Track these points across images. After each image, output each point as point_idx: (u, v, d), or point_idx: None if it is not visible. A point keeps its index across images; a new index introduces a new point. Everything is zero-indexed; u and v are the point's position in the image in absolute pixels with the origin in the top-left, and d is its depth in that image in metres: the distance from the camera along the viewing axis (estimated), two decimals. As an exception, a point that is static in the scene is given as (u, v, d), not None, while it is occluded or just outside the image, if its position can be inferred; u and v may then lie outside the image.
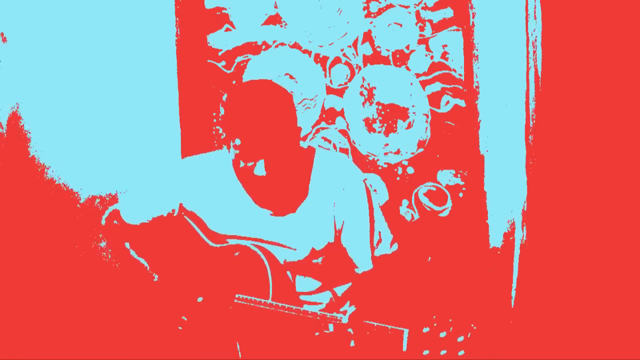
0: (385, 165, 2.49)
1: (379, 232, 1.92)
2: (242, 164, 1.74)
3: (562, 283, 2.29)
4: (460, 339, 1.50)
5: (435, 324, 1.52)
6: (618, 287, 2.24)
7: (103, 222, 2.03)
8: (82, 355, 2.71)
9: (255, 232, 1.88)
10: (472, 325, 1.50)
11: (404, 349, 1.54)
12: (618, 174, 2.24)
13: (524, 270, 2.28)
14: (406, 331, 1.54)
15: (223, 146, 1.83)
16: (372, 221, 1.91)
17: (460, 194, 2.42)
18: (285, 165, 1.77)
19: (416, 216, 2.48)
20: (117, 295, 2.71)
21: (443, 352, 1.50)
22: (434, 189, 2.45)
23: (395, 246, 1.96)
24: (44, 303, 2.81)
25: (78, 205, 2.76)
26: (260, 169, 1.73)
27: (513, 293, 2.29)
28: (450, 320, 1.51)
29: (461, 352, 1.50)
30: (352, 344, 1.62)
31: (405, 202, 2.48)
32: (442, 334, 1.51)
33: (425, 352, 1.52)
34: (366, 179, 1.95)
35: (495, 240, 2.33)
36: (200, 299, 1.88)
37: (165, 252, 1.95)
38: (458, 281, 2.41)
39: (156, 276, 1.93)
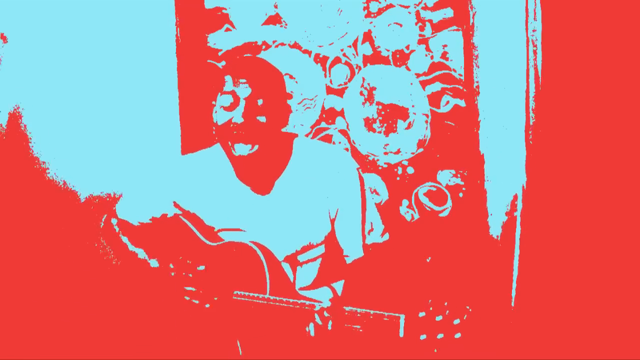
0: (385, 165, 2.49)
1: (371, 221, 1.94)
2: (222, 120, 1.79)
3: (561, 281, 2.29)
4: (457, 321, 1.50)
5: (431, 308, 1.52)
6: (618, 286, 2.24)
7: (102, 225, 2.04)
8: (82, 355, 2.71)
9: (252, 225, 1.89)
10: (468, 307, 1.50)
11: (401, 334, 1.55)
12: (618, 174, 2.24)
13: (523, 269, 2.28)
14: (402, 317, 1.55)
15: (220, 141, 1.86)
16: (364, 209, 1.92)
17: (460, 194, 2.42)
18: (276, 150, 1.79)
19: (416, 216, 2.48)
20: (116, 295, 2.71)
21: (440, 336, 1.51)
22: (434, 189, 2.45)
23: (387, 236, 1.97)
24: (44, 303, 2.81)
25: (78, 205, 2.77)
26: (238, 117, 1.77)
27: (513, 293, 2.29)
28: (446, 303, 1.52)
29: (458, 335, 1.50)
30: (330, 326, 1.64)
31: (405, 202, 2.48)
32: (439, 318, 1.51)
33: (423, 337, 1.52)
34: (359, 168, 1.96)
35: (496, 239, 2.33)
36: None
37: (162, 252, 1.95)
38: (459, 281, 2.41)
39: (154, 262, 1.93)
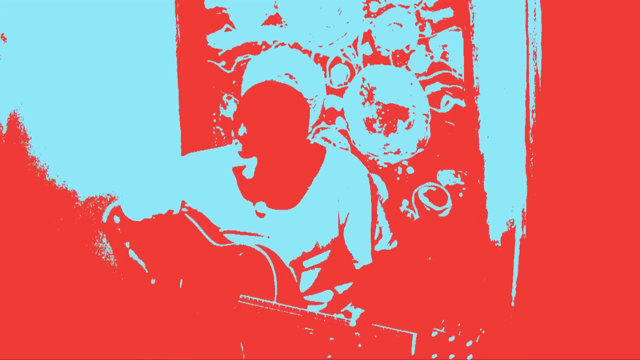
0: (385, 165, 2.49)
1: (380, 227, 1.93)
2: (237, 163, 1.76)
3: (562, 282, 2.29)
4: (469, 343, 1.49)
5: (443, 329, 1.52)
6: (618, 286, 2.24)
7: (104, 219, 2.02)
8: (82, 355, 2.70)
9: (259, 228, 1.88)
10: (481, 329, 1.49)
11: (412, 352, 1.54)
12: (618, 174, 2.24)
13: (524, 269, 2.28)
14: (414, 335, 1.54)
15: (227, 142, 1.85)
16: (374, 215, 1.92)
17: (460, 194, 2.42)
18: (289, 160, 1.78)
19: (416, 216, 2.48)
20: (117, 295, 2.70)
21: (452, 356, 1.50)
22: (434, 189, 2.45)
23: (395, 243, 1.96)
24: (43, 303, 2.81)
25: (78, 205, 2.77)
26: (249, 171, 1.74)
27: (513, 293, 2.29)
28: (459, 324, 1.51)
29: (470, 357, 1.49)
30: (360, 346, 1.62)
31: (405, 202, 2.48)
32: (451, 339, 1.50)
33: (434, 356, 1.51)
34: (370, 173, 1.96)
35: (496, 240, 2.33)
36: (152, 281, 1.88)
37: (167, 252, 1.95)
38: (459, 281, 2.40)
39: (153, 280, 1.93)
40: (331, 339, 1.65)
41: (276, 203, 1.89)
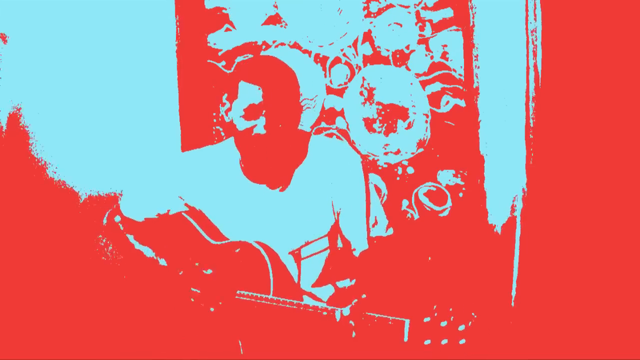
0: (385, 165, 2.50)
1: (375, 215, 1.94)
2: (242, 126, 1.77)
3: (561, 281, 2.29)
4: (461, 327, 1.50)
5: (435, 314, 1.52)
6: (618, 286, 2.25)
7: (105, 221, 2.03)
8: (83, 354, 2.71)
9: (257, 219, 1.89)
10: (473, 314, 1.50)
11: (405, 339, 1.55)
12: (618, 174, 2.24)
13: (523, 269, 2.28)
14: (407, 321, 1.55)
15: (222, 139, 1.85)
16: (368, 202, 1.93)
17: (460, 194, 2.42)
18: (284, 143, 1.79)
19: (416, 216, 2.48)
20: (116, 295, 2.71)
21: (444, 342, 1.51)
22: (434, 189, 2.45)
23: (391, 230, 1.97)
24: (44, 303, 2.81)
25: (78, 204, 2.77)
26: (260, 127, 1.75)
27: (513, 292, 2.29)
28: (451, 309, 1.52)
29: (462, 341, 1.50)
30: (354, 335, 1.63)
31: (405, 202, 2.49)
32: (443, 324, 1.51)
33: (427, 342, 1.52)
34: (363, 160, 1.96)
35: (496, 239, 2.33)
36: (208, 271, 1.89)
37: (166, 250, 1.95)
38: (459, 281, 2.41)
39: (162, 260, 1.93)
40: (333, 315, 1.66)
41: (272, 192, 1.89)
